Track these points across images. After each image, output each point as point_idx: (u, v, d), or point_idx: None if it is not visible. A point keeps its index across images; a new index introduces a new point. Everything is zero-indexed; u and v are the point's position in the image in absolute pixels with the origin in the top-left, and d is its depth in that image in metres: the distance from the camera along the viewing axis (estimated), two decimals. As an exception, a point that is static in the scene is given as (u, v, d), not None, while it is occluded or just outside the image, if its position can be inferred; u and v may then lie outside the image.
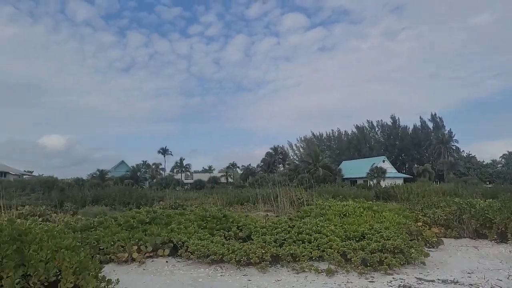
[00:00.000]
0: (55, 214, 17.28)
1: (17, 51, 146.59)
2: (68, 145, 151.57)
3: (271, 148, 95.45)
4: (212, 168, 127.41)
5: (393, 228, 8.21)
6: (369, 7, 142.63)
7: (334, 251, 6.87)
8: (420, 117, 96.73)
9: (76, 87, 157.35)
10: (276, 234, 7.88)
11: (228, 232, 8.39)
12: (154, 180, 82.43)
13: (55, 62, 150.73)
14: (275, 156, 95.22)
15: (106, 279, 4.99)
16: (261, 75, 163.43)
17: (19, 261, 4.42)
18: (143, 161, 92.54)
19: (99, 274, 5.11)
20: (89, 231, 8.49)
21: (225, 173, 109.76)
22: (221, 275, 6.39)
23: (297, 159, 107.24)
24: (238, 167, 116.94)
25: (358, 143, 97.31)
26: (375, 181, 61.82)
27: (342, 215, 9.91)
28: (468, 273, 6.64)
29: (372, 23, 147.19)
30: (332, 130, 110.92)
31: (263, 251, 6.79)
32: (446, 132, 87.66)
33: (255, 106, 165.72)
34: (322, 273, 6.36)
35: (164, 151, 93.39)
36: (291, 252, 6.88)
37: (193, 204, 22.32)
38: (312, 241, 7.48)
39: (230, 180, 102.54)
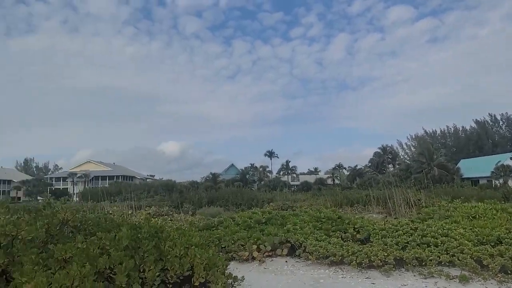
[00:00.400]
0: (177, 214, 18.75)
1: (138, 67, 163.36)
2: (182, 150, 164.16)
3: (379, 148, 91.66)
4: (318, 170, 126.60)
5: (536, 232, 7.23)
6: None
7: (467, 256, 6.26)
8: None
9: (188, 96, 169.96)
10: (398, 237, 7.48)
11: (344, 233, 8.22)
12: (262, 182, 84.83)
13: (169, 74, 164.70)
14: (384, 156, 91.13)
15: (233, 276, 5.22)
16: (365, 73, 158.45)
17: (158, 256, 4.85)
18: (251, 164, 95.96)
19: (226, 271, 5.37)
20: (210, 230, 9.01)
21: (331, 175, 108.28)
22: (342, 277, 6.27)
23: (408, 158, 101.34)
24: (345, 168, 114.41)
25: (479, 139, 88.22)
26: (501, 180, 55.48)
27: (471, 217, 9.03)
28: None
29: (491, 7, 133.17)
30: (447, 127, 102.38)
31: (385, 254, 6.49)
32: None
33: (360, 105, 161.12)
34: (454, 280, 5.84)
35: (270, 154, 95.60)
36: (416, 255, 6.46)
37: (302, 206, 22.37)
38: (439, 244, 6.93)
39: (336, 181, 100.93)
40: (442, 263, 6.50)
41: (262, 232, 8.41)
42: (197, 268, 4.83)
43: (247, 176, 75.38)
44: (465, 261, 6.16)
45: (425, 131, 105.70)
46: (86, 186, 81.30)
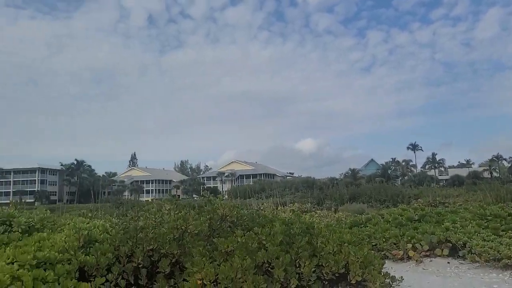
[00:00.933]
0: (319, 211, 18.82)
1: (273, 69, 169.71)
2: (319, 147, 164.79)
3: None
4: (471, 162, 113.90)
5: None
6: None
7: None
8: None
9: (323, 93, 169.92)
10: None
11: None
12: (405, 177, 79.97)
13: (303, 73, 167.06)
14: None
15: (390, 276, 4.95)
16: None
17: (311, 252, 4.88)
18: (392, 158, 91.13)
19: (382, 270, 5.12)
20: (358, 227, 8.76)
21: (487, 167, 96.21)
22: (521, 283, 5.43)
23: None
24: (505, 159, 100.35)
25: None
26: None
27: None
28: None
29: None
30: None
31: None
32: None
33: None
34: None
35: (413, 147, 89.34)
36: None
37: (456, 202, 20.38)
38: None
39: (495, 174, 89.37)
40: None
41: (416, 230, 7.83)
42: (352, 266, 4.71)
43: (388, 171, 71.81)
44: None
45: None
46: (233, 184, 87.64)
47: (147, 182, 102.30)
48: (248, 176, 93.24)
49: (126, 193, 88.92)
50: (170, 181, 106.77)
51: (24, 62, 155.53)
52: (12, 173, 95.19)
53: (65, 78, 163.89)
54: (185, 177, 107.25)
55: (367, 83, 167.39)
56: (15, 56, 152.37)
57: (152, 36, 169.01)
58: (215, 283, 4.20)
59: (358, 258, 4.78)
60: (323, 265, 4.71)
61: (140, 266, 4.74)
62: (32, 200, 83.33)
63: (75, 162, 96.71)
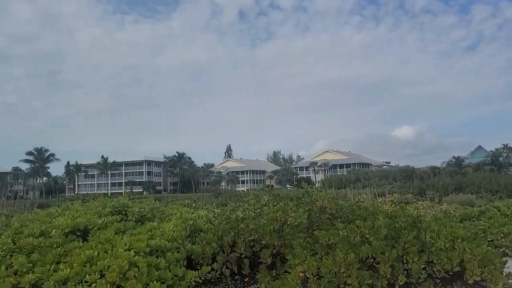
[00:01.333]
0: (421, 202, 17.66)
1: (367, 54, 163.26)
2: (418, 134, 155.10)
3: None
4: None
5: None
6: None
7: None
8: None
9: (420, 77, 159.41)
10: None
11: None
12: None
13: (399, 56, 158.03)
14: None
15: (516, 277, 4.40)
16: None
17: (420, 247, 4.54)
18: (503, 144, 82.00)
19: (503, 270, 4.58)
20: (470, 220, 8.01)
21: None
22: None
23: None
24: None
25: None
26: None
27: None
28: None
29: None
30: None
31: None
32: None
33: None
34: None
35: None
36: None
37: None
38: None
39: None
40: None
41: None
42: (469, 264, 4.27)
43: (500, 159, 64.93)
44: None
45: None
46: (326, 174, 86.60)
47: (242, 172, 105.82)
48: (341, 166, 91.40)
49: (223, 183, 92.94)
50: (264, 171, 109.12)
51: (130, 63, 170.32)
52: (123, 166, 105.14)
53: (165, 76, 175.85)
54: (278, 168, 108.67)
55: (472, 63, 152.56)
56: (123, 58, 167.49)
57: (243, 30, 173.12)
58: (317, 276, 4.12)
59: (475, 255, 4.33)
60: (434, 262, 4.36)
61: (242, 256, 4.85)
62: (141, 190, 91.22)
63: (177, 155, 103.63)
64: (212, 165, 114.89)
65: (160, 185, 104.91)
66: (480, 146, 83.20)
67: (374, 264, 4.33)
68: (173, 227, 5.18)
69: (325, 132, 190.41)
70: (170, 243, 4.74)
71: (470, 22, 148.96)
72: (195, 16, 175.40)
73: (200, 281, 4.42)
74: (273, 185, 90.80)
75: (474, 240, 5.17)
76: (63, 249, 4.62)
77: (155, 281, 4.15)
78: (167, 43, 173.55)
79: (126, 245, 4.58)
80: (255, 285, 4.89)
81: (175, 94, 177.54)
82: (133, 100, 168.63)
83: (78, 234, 4.99)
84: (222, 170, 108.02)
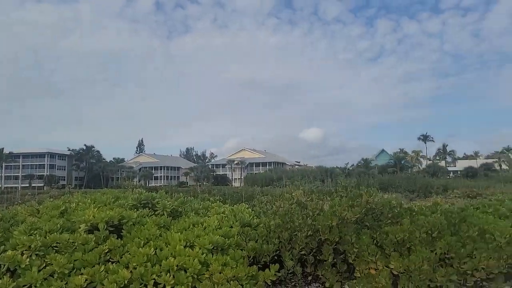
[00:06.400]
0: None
1: (280, 57, 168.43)
2: (324, 137, 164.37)
3: None
4: (479, 154, 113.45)
5: None
6: None
7: None
8: None
9: (328, 83, 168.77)
10: None
11: None
12: (416, 168, 79.65)
13: (310, 62, 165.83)
14: None
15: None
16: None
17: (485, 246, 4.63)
18: (400, 149, 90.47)
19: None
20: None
21: (497, 159, 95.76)
22: None
23: None
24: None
25: None
26: None
27: None
28: None
29: None
30: None
31: None
32: None
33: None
34: None
35: (425, 138, 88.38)
36: None
37: (494, 193, 20.19)
38: None
39: (504, 166, 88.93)
40: None
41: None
42: None
43: (402, 162, 71.46)
44: None
45: None
46: (242, 172, 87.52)
47: (156, 168, 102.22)
48: (257, 164, 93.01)
49: (136, 179, 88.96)
50: (179, 168, 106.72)
51: (31, 46, 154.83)
52: (21, 157, 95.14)
53: (71, 62, 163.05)
54: (193, 164, 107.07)
55: (374, 73, 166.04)
56: (22, 40, 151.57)
57: (159, 21, 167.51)
58: (404, 273, 3.98)
59: None
60: (495, 258, 4.47)
61: (301, 253, 4.52)
62: (41, 185, 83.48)
63: (84, 147, 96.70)
64: (123, 160, 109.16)
65: (64, 179, 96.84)
66: (383, 149, 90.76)
67: (445, 260, 4.30)
68: (217, 222, 4.67)
69: (237, 130, 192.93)
70: (227, 240, 4.25)
71: (373, 34, 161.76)
72: (107, 2, 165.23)
73: (274, 280, 4.02)
74: (187, 182, 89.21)
75: None
76: (106, 246, 3.91)
77: (231, 282, 3.67)
78: (74, 27, 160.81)
79: (181, 241, 4.01)
80: (315, 283, 4.59)
81: (82, 82, 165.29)
82: (34, 86, 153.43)
83: (111, 229, 4.24)
84: (134, 165, 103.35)
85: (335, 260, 4.50)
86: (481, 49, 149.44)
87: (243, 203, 5.61)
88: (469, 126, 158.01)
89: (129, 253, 3.83)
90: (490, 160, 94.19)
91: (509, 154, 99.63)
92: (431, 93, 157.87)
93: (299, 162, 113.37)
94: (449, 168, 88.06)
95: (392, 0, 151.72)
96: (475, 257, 4.33)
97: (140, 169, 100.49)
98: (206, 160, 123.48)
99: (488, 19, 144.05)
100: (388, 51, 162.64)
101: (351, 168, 71.67)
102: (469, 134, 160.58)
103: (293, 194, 5.64)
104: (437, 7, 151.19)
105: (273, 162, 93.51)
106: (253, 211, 5.34)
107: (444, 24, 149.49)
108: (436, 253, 4.18)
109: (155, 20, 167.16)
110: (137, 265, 3.62)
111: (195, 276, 3.66)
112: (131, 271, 3.57)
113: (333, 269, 4.44)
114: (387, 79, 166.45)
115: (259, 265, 4.14)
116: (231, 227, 4.70)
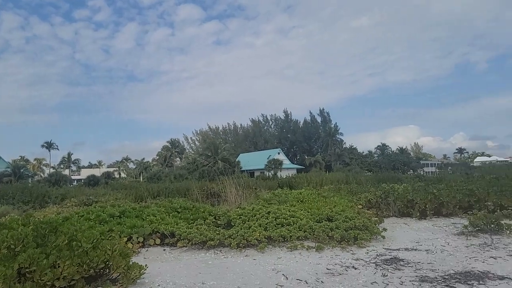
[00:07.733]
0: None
1: None
2: None
3: (167, 142, 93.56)
4: (102, 163, 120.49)
5: (348, 210, 9.43)
6: (263, 4, 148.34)
7: (320, 230, 7.77)
8: (310, 112, 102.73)
9: None
10: (257, 220, 8.46)
11: (204, 221, 8.71)
12: (36, 177, 75.12)
13: None
14: (172, 150, 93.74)
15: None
16: (154, 66, 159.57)
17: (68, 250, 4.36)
18: (21, 156, 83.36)
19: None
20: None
21: (117, 168, 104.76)
22: (224, 257, 6.86)
23: (193, 152, 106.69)
24: (132, 161, 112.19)
25: (254, 136, 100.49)
26: (272, 172, 64.91)
27: (299, 201, 10.88)
28: (416, 242, 8.03)
29: (266, 20, 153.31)
30: (228, 123, 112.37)
31: (258, 234, 7.42)
32: (333, 125, 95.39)
33: (148, 98, 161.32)
34: (312, 249, 7.21)
35: (49, 145, 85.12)
36: (281, 234, 7.61)
37: (108, 200, 21.62)
38: (291, 224, 8.27)
39: (123, 175, 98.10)
40: (299, 237, 7.87)
41: (120, 225, 8.11)
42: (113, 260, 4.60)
43: (22, 170, 65.46)
44: (318, 234, 7.67)
45: (209, 127, 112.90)
46: None
47: None
48: None
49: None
50: None
51: None
52: None
53: None
54: None
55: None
56: None
57: None
58: None
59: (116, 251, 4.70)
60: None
61: None
62: None
63: None
64: None
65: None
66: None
67: (26, 274, 3.77)
68: None
69: None
70: None
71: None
72: None
73: None
74: None
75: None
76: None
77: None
78: None
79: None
80: None
81: None
82: None
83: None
84: None
85: None
86: (110, 65, 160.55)
87: None
88: (96, 136, 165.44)
89: None
90: (111, 169, 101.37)
91: (127, 164, 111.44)
92: (61, 100, 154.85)
93: None
94: (73, 177, 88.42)
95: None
96: (59, 266, 4.10)
97: None
98: None
99: (118, 39, 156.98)
100: (14, 48, 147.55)
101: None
102: (95, 143, 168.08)
103: None
104: (71, 15, 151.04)
105: None
106: None
107: (77, 33, 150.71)
108: (14, 269, 3.64)
109: None
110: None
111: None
112: None
113: None
114: (11, 78, 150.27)
115: None
116: None
